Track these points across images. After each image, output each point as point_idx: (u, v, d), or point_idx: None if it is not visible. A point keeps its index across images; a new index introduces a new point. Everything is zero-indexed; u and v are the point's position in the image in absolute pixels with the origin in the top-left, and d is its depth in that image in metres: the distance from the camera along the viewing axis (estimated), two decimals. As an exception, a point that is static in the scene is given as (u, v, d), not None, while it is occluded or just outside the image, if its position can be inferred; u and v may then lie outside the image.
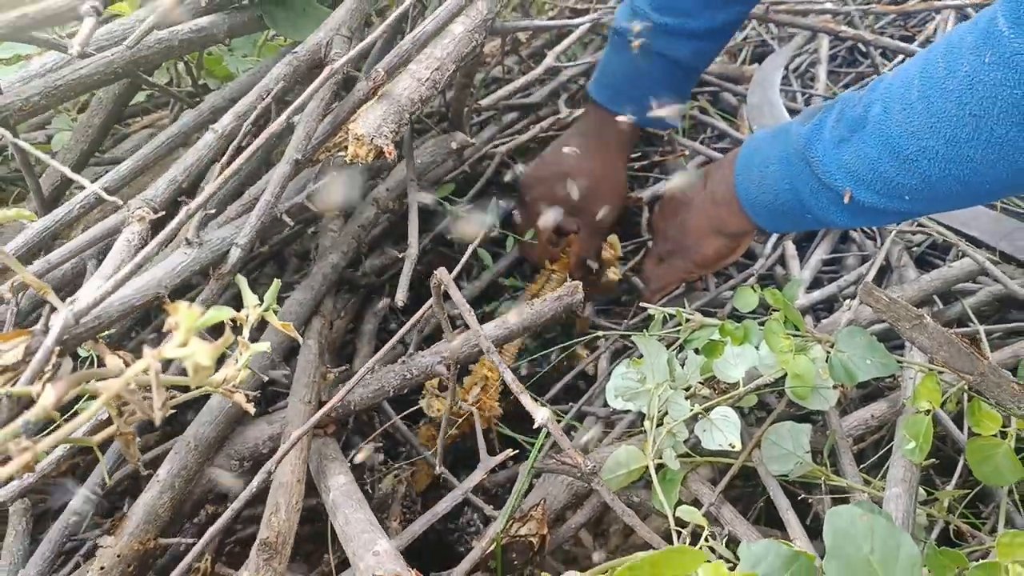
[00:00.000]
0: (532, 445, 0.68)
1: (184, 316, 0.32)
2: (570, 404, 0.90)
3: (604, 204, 0.95)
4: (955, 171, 0.60)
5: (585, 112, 0.99)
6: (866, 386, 0.92)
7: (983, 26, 0.56)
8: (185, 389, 0.46)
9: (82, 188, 0.57)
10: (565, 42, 1.06)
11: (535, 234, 0.96)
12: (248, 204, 0.62)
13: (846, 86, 1.51)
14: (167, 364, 0.56)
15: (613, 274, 1.01)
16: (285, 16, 0.62)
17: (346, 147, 0.54)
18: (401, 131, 0.53)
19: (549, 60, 1.10)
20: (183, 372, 0.38)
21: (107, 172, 0.62)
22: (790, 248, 1.06)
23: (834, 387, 0.74)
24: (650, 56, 0.88)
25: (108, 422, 0.48)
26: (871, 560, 0.43)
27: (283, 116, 0.44)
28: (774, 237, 1.08)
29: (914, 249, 1.07)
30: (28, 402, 0.43)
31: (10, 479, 0.54)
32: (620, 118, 0.90)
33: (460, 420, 0.81)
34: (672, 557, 0.38)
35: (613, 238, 1.02)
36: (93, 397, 0.39)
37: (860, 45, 1.55)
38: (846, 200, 0.68)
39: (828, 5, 1.50)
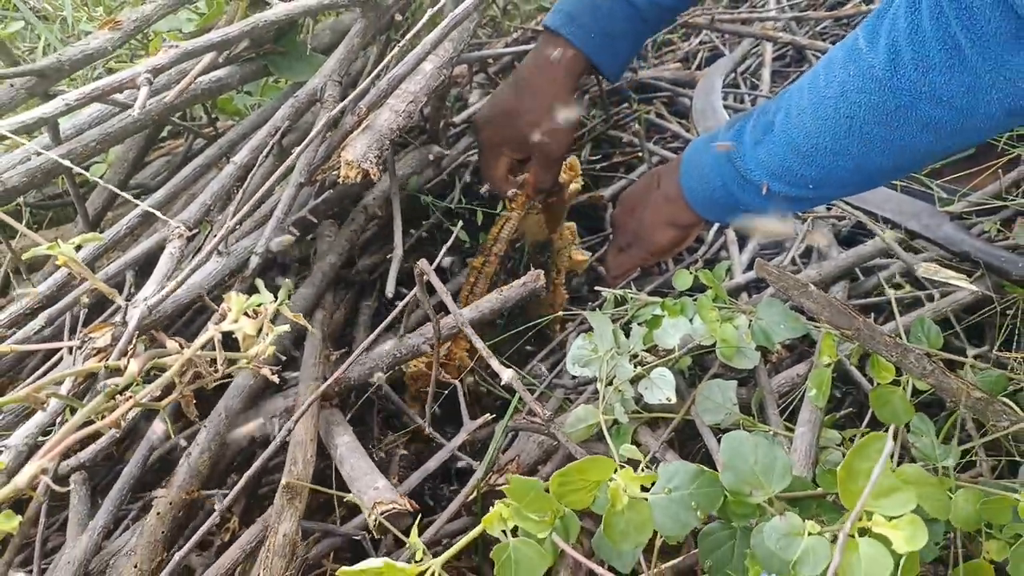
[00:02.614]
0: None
1: (236, 302, 0.46)
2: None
3: (553, 136, 0.96)
4: (843, 162, 0.73)
5: (536, 44, 0.99)
6: (794, 349, 1.07)
7: (849, 43, 0.69)
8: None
9: (120, 212, 0.71)
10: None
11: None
12: (261, 220, 0.76)
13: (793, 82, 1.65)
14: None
15: (575, 185, 1.06)
16: (287, 64, 0.76)
17: (339, 170, 0.68)
18: (384, 155, 0.67)
19: (514, 77, 1.24)
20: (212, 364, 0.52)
21: (137, 193, 0.76)
22: (731, 235, 1.21)
23: (766, 352, 0.89)
24: None
25: (163, 396, 0.62)
26: (755, 470, 0.57)
27: (291, 159, 0.58)
28: (716, 226, 1.23)
29: (843, 231, 1.22)
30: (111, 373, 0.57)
31: (96, 438, 0.68)
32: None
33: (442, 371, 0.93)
34: (591, 464, 0.52)
35: (572, 159, 1.06)
36: (162, 369, 0.54)
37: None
38: (764, 192, 0.80)
39: (771, 13, 1.64)
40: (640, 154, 1.36)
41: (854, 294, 1.10)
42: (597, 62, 0.95)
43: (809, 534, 0.49)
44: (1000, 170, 1.12)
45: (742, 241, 1.22)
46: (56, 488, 0.41)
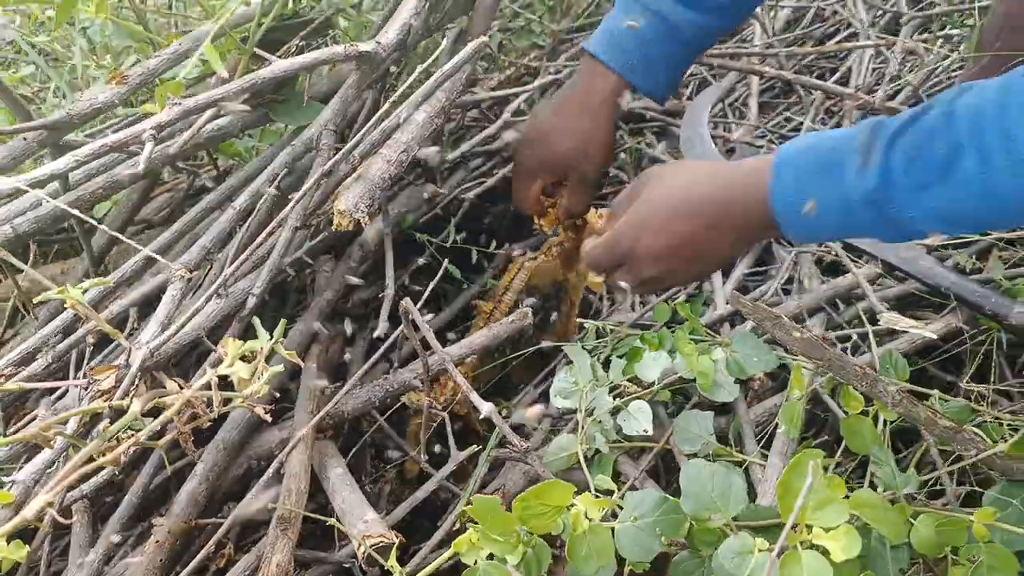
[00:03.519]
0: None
1: (231, 347, 0.50)
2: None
3: (590, 160, 0.94)
4: None
5: (578, 68, 0.99)
6: (778, 378, 1.10)
7: None
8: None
9: (124, 246, 0.75)
10: (516, 101, 1.25)
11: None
12: (258, 261, 0.81)
13: (779, 115, 1.70)
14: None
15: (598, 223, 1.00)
16: (286, 111, 0.81)
17: (332, 217, 0.73)
18: (375, 204, 0.72)
19: (506, 115, 1.29)
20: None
21: (141, 228, 0.81)
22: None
23: (748, 380, 0.93)
24: (650, 16, 0.89)
25: (160, 435, 0.66)
26: (713, 496, 0.61)
27: (287, 209, 0.63)
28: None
29: (824, 260, 1.25)
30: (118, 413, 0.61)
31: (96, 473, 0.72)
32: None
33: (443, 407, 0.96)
34: (550, 488, 0.56)
35: (592, 214, 1.03)
36: (161, 409, 0.58)
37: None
38: (935, 242, 0.72)
39: (757, 47, 1.70)
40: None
41: (833, 324, 1.13)
42: (638, 87, 0.93)
43: (759, 551, 0.53)
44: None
45: (726, 269, 1.26)
46: (60, 520, 0.44)
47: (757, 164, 0.75)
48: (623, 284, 0.85)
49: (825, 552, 0.52)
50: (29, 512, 0.45)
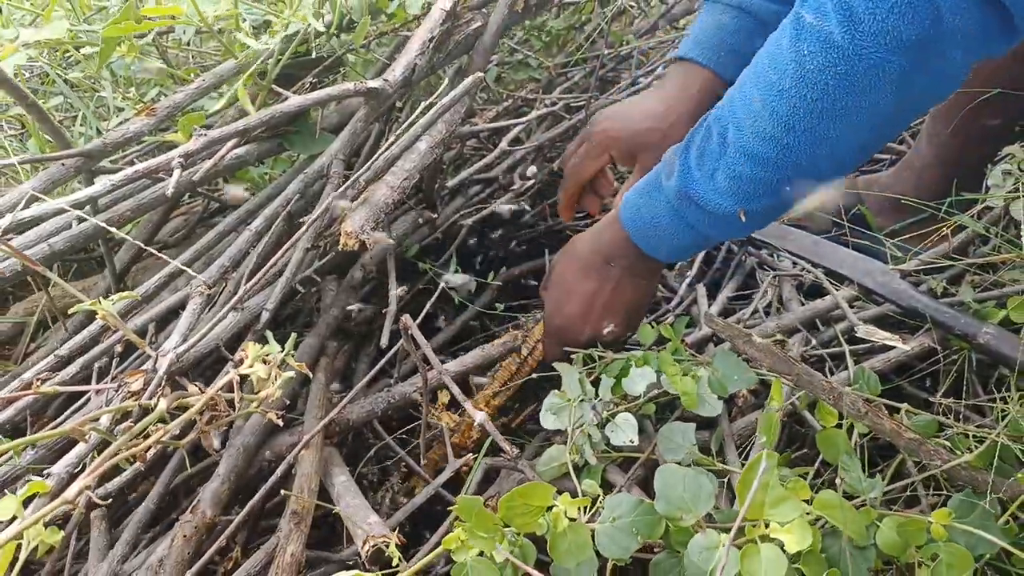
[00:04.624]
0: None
1: (252, 350, 0.56)
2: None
3: (667, 144, 0.87)
4: (821, 150, 0.67)
5: (667, 71, 1.00)
6: (760, 394, 1.16)
7: (791, 26, 0.65)
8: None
9: (142, 265, 0.82)
10: (514, 131, 1.32)
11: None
12: (271, 278, 0.87)
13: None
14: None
15: None
16: (300, 141, 0.88)
17: (339, 237, 0.79)
18: (380, 227, 0.78)
19: (503, 145, 1.36)
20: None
21: (158, 248, 0.87)
22: (701, 290, 1.31)
23: (733, 397, 0.98)
24: (735, 12, 0.92)
25: (182, 435, 0.71)
26: (684, 497, 0.66)
27: (301, 232, 0.69)
28: (687, 281, 1.33)
29: (806, 284, 1.32)
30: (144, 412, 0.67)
31: (117, 473, 0.78)
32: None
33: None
34: (532, 489, 0.61)
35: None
36: (184, 408, 0.64)
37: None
38: (743, 218, 0.75)
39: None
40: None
41: (812, 344, 1.19)
42: (727, 79, 0.94)
43: (723, 546, 0.58)
44: (949, 232, 1.22)
45: (713, 293, 1.32)
46: (98, 502, 0.50)
47: (613, 213, 0.90)
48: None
49: (782, 545, 0.57)
50: (69, 494, 0.51)
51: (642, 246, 0.87)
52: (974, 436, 0.91)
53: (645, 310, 1.00)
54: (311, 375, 0.90)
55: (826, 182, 0.82)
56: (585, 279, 0.93)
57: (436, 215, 1.13)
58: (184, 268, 0.69)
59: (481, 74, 0.86)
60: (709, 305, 1.29)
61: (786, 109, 0.66)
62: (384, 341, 0.89)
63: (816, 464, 1.00)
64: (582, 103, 1.43)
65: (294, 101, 0.78)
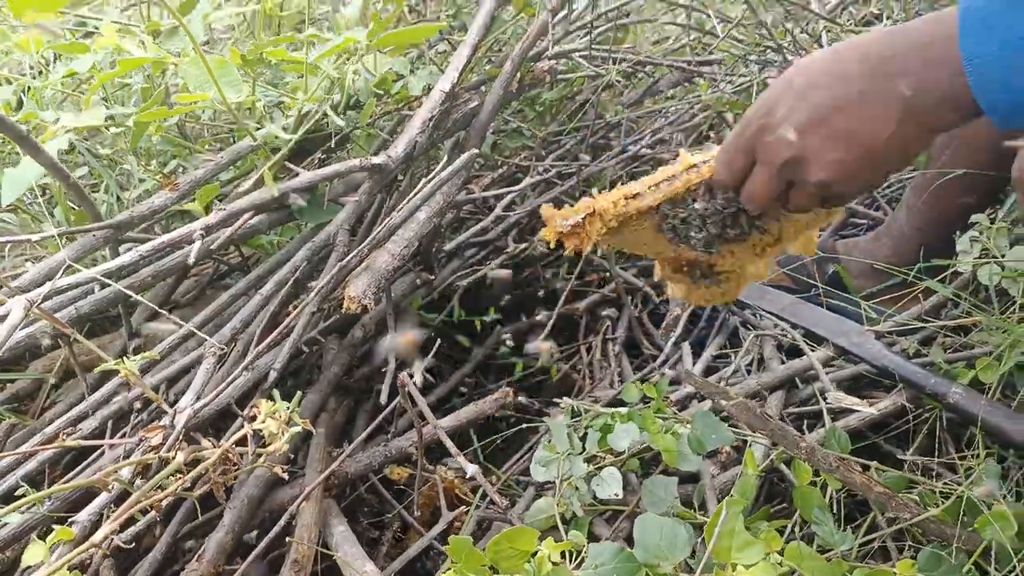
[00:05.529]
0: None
1: (265, 407, 0.62)
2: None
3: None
4: None
5: None
6: (741, 451, 1.20)
7: None
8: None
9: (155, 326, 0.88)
10: (507, 199, 1.41)
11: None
12: (279, 338, 0.93)
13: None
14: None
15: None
16: (309, 211, 0.95)
17: (343, 301, 0.86)
18: (381, 292, 0.85)
19: (497, 210, 1.44)
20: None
21: (170, 308, 0.93)
22: (686, 348, 1.37)
23: (716, 453, 1.03)
24: None
25: (191, 489, 0.77)
26: (661, 544, 0.71)
27: (310, 297, 0.76)
28: (672, 340, 1.39)
29: (785, 344, 1.38)
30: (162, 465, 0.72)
31: (133, 523, 0.83)
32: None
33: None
34: (517, 533, 0.67)
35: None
36: (198, 461, 0.69)
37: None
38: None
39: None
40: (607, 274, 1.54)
41: (792, 401, 1.25)
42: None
43: (693, 589, 0.63)
44: (920, 295, 1.29)
45: (697, 352, 1.38)
46: (122, 545, 0.55)
47: (934, 15, 0.58)
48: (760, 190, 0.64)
49: (749, 586, 0.62)
50: (97, 537, 0.56)
51: (973, 82, 0.55)
52: (941, 492, 0.96)
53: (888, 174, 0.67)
54: (313, 431, 0.95)
55: None
56: (836, 77, 0.59)
57: (433, 276, 1.20)
58: (196, 331, 0.76)
59: (476, 151, 0.94)
60: (694, 363, 1.35)
61: None
62: (384, 398, 0.95)
63: (796, 518, 1.05)
64: (573, 171, 1.52)
65: (305, 177, 0.86)
